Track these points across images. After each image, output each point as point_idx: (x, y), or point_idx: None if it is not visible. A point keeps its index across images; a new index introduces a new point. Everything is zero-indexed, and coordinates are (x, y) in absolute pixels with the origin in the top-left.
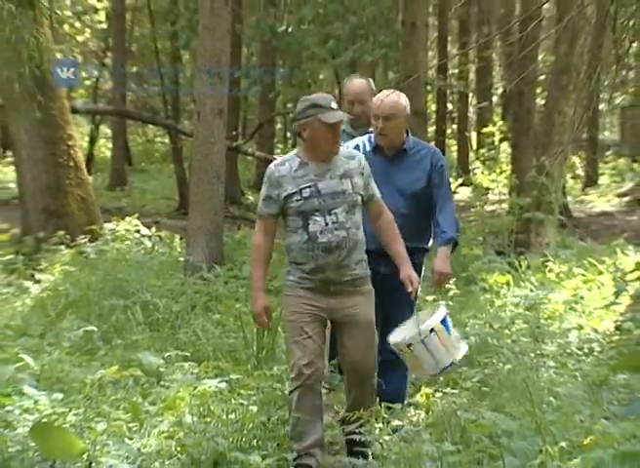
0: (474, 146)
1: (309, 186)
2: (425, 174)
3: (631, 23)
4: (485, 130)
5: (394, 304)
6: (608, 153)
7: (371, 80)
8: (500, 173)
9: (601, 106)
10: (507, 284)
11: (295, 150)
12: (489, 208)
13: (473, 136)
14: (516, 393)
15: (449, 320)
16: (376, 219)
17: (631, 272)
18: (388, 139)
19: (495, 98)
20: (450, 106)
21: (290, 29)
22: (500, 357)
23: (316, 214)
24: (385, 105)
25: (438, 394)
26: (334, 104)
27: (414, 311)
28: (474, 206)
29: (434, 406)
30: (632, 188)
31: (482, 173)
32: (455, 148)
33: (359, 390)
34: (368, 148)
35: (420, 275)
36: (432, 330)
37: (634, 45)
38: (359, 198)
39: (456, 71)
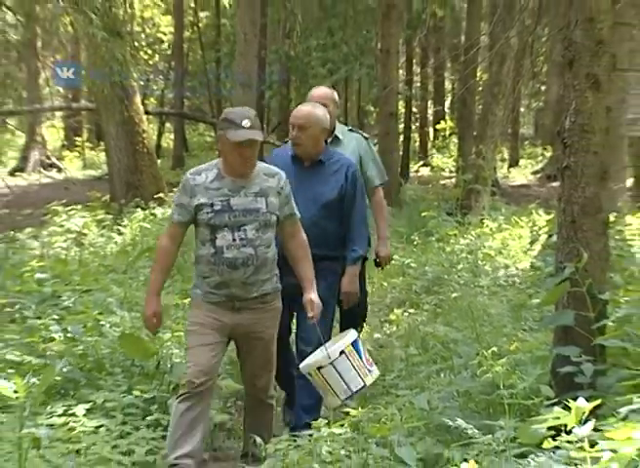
0: (431, 138)
1: (222, 201)
2: (339, 185)
3: (543, 50)
4: (439, 126)
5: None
6: (526, 143)
7: (335, 92)
8: (450, 157)
9: (522, 110)
10: (455, 235)
11: (216, 160)
12: (442, 182)
13: (431, 130)
14: (461, 313)
15: (360, 343)
16: (289, 238)
17: (542, 228)
18: (301, 149)
19: (446, 104)
20: (414, 109)
21: (300, 55)
22: (449, 287)
23: (225, 228)
24: (300, 115)
25: (405, 314)
26: (246, 122)
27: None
28: (431, 181)
29: (402, 322)
30: (542, 168)
31: (437, 157)
32: (417, 139)
33: (256, 411)
34: (288, 156)
35: (332, 280)
36: (342, 352)
37: (546, 66)
38: (273, 217)
39: (419, 84)
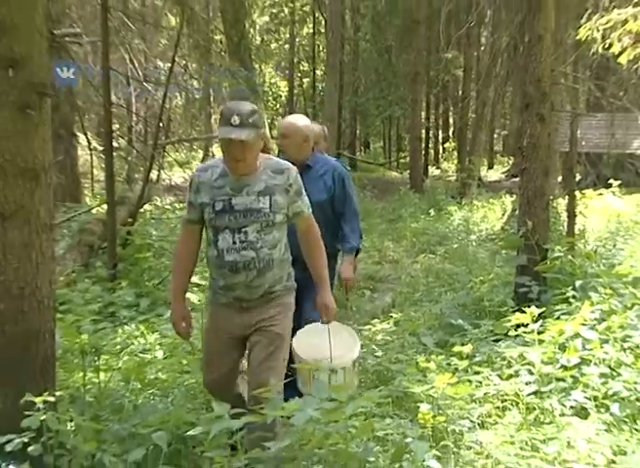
0: (441, 152)
1: (223, 200)
2: (327, 187)
3: (509, 99)
4: (446, 145)
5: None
6: (498, 154)
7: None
8: (452, 163)
9: (496, 135)
10: (455, 210)
11: (221, 156)
12: (447, 178)
13: (441, 148)
14: (460, 256)
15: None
16: (303, 235)
17: (508, 206)
18: (287, 154)
19: (450, 131)
20: (431, 135)
21: (362, 102)
22: (452, 241)
23: (226, 230)
24: (284, 125)
25: (426, 258)
26: (235, 119)
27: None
28: (441, 177)
29: (424, 262)
30: (508, 169)
31: (444, 163)
32: (433, 153)
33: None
34: None
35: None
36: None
37: (511, 108)
38: (278, 217)
39: (433, 120)
